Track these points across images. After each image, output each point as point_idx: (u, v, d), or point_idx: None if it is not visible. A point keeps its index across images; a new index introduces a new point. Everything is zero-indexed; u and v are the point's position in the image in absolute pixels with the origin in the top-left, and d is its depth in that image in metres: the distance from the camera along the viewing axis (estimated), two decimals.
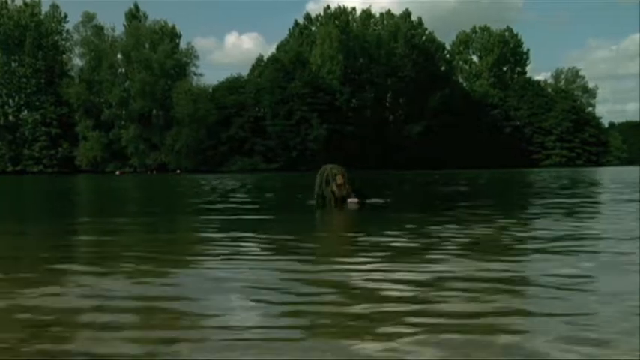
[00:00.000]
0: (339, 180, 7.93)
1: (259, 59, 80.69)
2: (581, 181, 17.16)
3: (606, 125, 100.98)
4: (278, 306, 2.28)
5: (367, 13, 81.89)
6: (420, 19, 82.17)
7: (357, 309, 2.22)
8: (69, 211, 8.10)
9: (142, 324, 2.08)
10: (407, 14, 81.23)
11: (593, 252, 3.73)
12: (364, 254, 3.63)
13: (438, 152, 71.95)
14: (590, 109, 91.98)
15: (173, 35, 76.62)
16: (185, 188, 14.82)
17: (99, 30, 76.22)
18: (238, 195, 12.04)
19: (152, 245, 4.29)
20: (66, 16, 77.29)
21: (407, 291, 2.56)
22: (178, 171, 64.40)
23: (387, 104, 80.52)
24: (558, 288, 2.60)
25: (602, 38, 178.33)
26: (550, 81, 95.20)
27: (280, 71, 70.95)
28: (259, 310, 2.26)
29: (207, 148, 68.85)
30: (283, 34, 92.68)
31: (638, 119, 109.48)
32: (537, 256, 3.61)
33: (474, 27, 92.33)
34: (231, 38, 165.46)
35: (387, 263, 3.28)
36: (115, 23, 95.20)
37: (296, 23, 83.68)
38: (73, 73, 76.79)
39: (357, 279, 2.82)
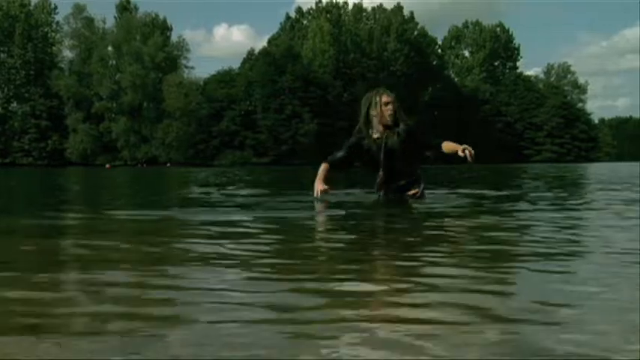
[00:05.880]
0: (385, 98, 5.24)
1: (250, 52, 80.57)
2: None
3: (596, 121, 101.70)
4: None
5: (359, 7, 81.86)
6: (411, 13, 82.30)
7: None
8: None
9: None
10: (398, 8, 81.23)
11: None
12: None
13: None
14: (580, 104, 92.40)
15: (164, 28, 76.17)
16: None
17: (89, 22, 75.59)
18: None
19: None
20: (56, 8, 76.70)
21: None
22: (168, 164, 64.22)
23: None
24: None
25: (592, 34, 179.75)
26: (541, 76, 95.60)
27: (272, 65, 70.79)
28: None
29: (198, 142, 68.74)
30: (274, 27, 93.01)
31: (627, 115, 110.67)
32: None
33: (466, 22, 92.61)
34: (220, 30, 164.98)
35: None
36: (105, 15, 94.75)
37: (287, 17, 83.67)
38: (63, 65, 76.22)
39: None
